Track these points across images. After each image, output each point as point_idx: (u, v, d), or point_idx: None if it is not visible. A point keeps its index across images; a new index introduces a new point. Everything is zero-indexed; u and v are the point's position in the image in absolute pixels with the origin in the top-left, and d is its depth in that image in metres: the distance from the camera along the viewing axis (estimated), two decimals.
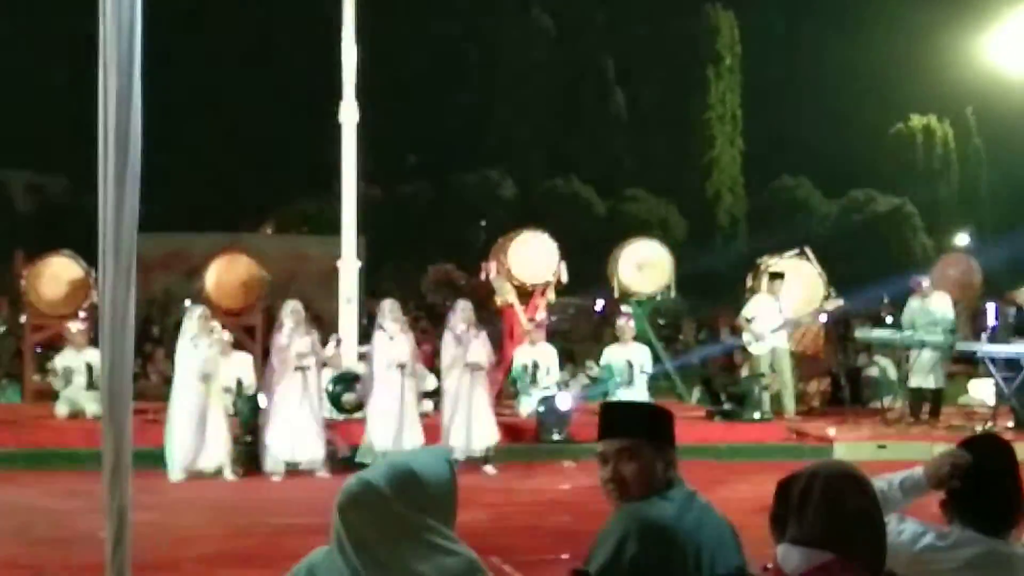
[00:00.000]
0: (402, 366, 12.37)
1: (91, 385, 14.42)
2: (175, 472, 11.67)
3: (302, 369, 12.18)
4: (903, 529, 3.34)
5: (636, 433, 3.44)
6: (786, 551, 2.83)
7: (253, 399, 12.86)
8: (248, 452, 12.31)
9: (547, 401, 13.94)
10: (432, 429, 12.62)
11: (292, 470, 12.04)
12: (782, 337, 15.39)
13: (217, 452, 11.88)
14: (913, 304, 15.47)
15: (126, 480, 4.30)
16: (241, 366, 13.63)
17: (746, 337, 15.46)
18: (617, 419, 3.55)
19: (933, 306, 15.23)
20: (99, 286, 4.47)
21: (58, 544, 8.67)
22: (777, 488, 2.94)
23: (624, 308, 17.10)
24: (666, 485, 3.40)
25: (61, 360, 14.91)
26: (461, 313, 12.78)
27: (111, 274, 4.28)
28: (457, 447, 12.24)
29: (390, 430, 12.16)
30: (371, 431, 12.31)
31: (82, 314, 15.68)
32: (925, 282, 15.53)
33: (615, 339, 16.07)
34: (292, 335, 12.27)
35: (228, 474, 11.91)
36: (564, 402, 13.90)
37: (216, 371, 12.09)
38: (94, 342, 13.52)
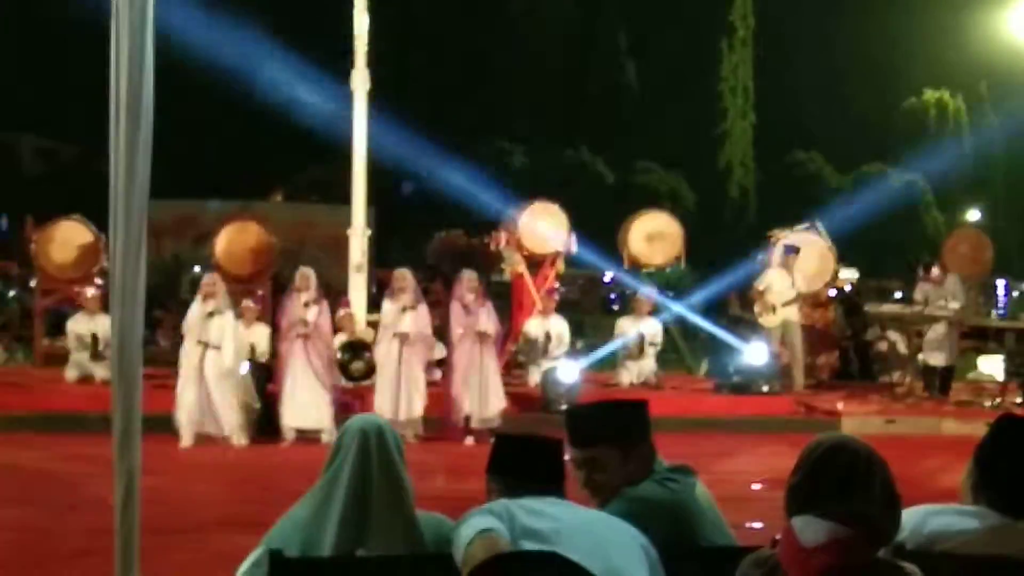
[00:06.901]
0: (403, 336, 12.40)
1: (95, 355, 14.50)
2: (184, 437, 11.78)
3: (304, 336, 12.25)
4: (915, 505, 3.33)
5: (600, 441, 3.38)
6: (804, 523, 2.78)
7: (263, 366, 12.92)
8: (260, 418, 12.39)
9: (552, 372, 13.94)
10: (439, 397, 12.68)
11: (302, 436, 12.11)
12: (793, 310, 15.40)
13: (224, 417, 11.93)
14: (925, 282, 15.49)
15: (135, 444, 4.30)
16: (258, 335, 13.63)
17: (758, 308, 15.47)
18: (580, 428, 3.46)
19: (946, 284, 15.26)
20: (110, 251, 4.46)
21: (66, 507, 8.71)
22: (804, 464, 2.85)
23: (650, 285, 17.03)
24: (645, 475, 3.36)
25: (74, 324, 14.97)
26: (468, 283, 12.78)
27: (122, 239, 4.27)
28: (472, 415, 12.44)
29: (390, 398, 12.27)
30: (376, 399, 12.43)
31: (99, 280, 15.74)
32: (935, 270, 15.53)
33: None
34: (294, 301, 12.36)
35: (237, 440, 11.97)
36: (571, 373, 13.88)
37: (216, 337, 12.08)
38: (107, 308, 13.56)
